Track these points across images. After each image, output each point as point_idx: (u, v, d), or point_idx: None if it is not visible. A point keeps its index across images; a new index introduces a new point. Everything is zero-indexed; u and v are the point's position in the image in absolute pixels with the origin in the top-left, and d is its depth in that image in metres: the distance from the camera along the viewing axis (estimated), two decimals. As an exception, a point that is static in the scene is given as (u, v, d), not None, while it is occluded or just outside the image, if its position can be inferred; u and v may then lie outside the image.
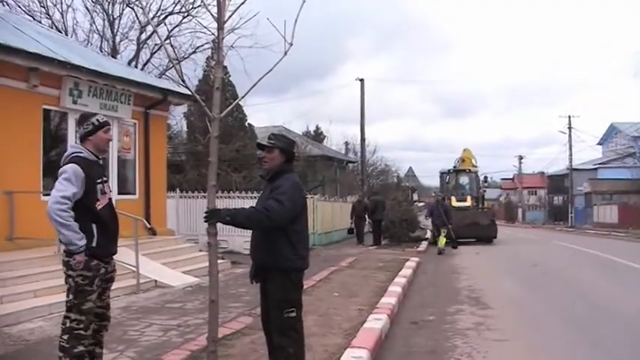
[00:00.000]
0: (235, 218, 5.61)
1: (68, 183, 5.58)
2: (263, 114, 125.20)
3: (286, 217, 5.73)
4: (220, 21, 5.60)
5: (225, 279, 14.62)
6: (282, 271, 5.89)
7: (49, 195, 12.59)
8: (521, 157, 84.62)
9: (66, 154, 5.87)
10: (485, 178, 40.60)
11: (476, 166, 37.46)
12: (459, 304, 12.14)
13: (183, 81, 7.18)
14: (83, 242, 5.53)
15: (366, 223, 30.91)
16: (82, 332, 5.67)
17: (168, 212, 19.02)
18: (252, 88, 5.95)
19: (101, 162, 6.09)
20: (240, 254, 18.96)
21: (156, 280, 13.15)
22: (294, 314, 5.93)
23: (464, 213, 32.25)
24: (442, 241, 25.05)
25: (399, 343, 8.92)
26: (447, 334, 9.45)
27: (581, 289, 14.11)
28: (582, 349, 8.42)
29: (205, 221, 5.25)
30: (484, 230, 31.28)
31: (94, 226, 5.75)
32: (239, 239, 20.10)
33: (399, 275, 15.35)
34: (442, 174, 39.24)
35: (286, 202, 5.71)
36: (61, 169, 5.65)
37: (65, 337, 5.61)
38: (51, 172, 13.89)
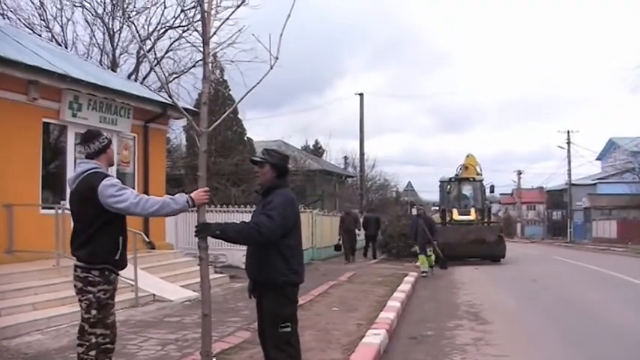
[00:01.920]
0: (225, 233, 5.64)
1: (124, 189, 5.63)
2: (261, 128, 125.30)
3: (277, 232, 5.74)
4: (205, 36, 5.69)
5: (223, 293, 14.64)
6: (275, 286, 5.90)
7: (48, 208, 12.65)
8: (520, 172, 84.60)
9: (81, 170, 5.86)
10: (492, 188, 36.19)
11: (480, 175, 32.50)
12: (458, 319, 12.12)
13: (170, 96, 7.28)
14: (180, 199, 5.52)
15: (357, 236, 28.28)
16: (109, 346, 5.74)
17: (167, 226, 19.02)
18: (239, 102, 6.11)
19: None
20: (238, 268, 18.88)
21: (154, 294, 13.13)
22: (288, 329, 5.93)
23: (467, 228, 28.46)
24: (423, 260, 21.62)
25: (398, 358, 8.92)
26: (445, 349, 9.42)
27: (580, 305, 14.09)
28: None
29: (196, 235, 5.29)
30: (491, 248, 27.40)
31: (120, 238, 5.81)
32: (238, 253, 19.98)
33: (398, 290, 15.34)
34: (442, 183, 33.28)
35: (277, 217, 5.72)
36: (107, 183, 5.61)
37: (92, 353, 5.61)
38: (50, 184, 13.94)
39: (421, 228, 21.80)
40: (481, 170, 32.60)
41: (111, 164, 6.07)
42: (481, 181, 32.37)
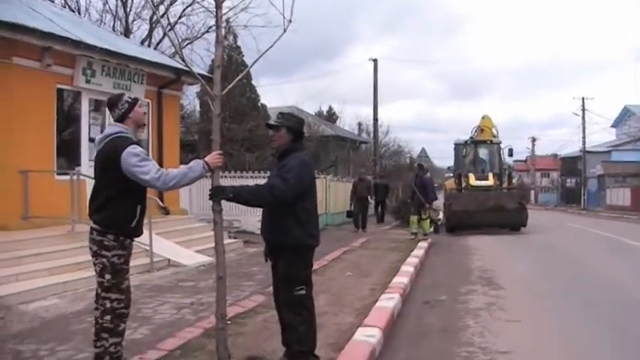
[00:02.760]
0: (239, 195, 5.66)
1: (146, 160, 5.61)
2: (275, 94, 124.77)
3: (290, 194, 5.76)
4: (218, 0, 5.65)
5: (237, 258, 14.72)
6: (291, 248, 5.95)
7: (62, 174, 12.70)
8: (534, 139, 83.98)
9: (108, 132, 5.85)
10: (511, 151, 31.93)
11: (497, 137, 30.05)
12: (471, 285, 12.15)
13: (183, 60, 7.24)
14: (197, 166, 5.50)
15: (370, 204, 27.24)
16: (123, 310, 5.75)
17: (181, 192, 19.09)
18: (253, 64, 6.15)
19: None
20: (253, 234, 19.02)
21: (169, 259, 13.22)
22: (303, 292, 5.99)
23: (486, 194, 25.93)
24: (413, 221, 21.28)
25: (412, 322, 8.96)
26: (459, 313, 9.48)
27: (593, 271, 14.08)
28: (594, 330, 8.42)
29: (210, 199, 5.29)
30: (511, 216, 24.97)
31: (138, 207, 5.81)
32: (252, 219, 20.11)
33: (411, 255, 15.39)
34: (457, 146, 30.40)
35: (291, 179, 5.75)
36: (131, 151, 5.57)
37: (107, 317, 5.64)
38: (65, 151, 14.00)
39: (417, 188, 21.27)
40: (498, 133, 30.30)
41: (139, 125, 6.00)
42: (499, 143, 29.80)
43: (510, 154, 32.02)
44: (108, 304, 5.65)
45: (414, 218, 21.28)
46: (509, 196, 26.59)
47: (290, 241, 5.93)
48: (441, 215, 29.46)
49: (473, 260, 16.13)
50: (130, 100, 5.92)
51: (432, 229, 22.02)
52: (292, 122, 6.18)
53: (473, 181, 27.61)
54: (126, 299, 5.75)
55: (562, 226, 30.84)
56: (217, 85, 5.18)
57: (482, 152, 29.99)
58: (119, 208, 5.65)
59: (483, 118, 30.40)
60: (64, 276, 10.68)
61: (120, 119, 5.85)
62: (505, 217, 24.87)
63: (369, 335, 7.26)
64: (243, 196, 5.72)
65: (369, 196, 26.28)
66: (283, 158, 6.01)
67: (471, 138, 30.03)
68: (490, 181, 27.60)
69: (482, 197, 25.45)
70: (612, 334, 8.18)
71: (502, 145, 29.93)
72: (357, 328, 7.67)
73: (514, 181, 31.85)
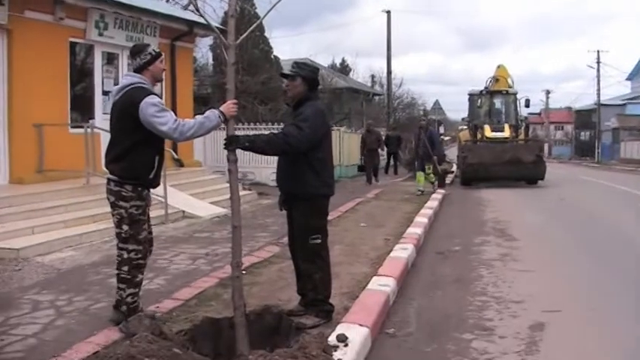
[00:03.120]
0: (254, 144, 5.61)
1: (164, 111, 5.60)
2: (287, 47, 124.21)
3: (305, 142, 5.75)
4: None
5: (252, 210, 14.78)
6: (306, 198, 5.97)
7: (76, 128, 12.73)
8: (548, 92, 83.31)
9: (125, 82, 5.82)
10: (527, 102, 30.35)
11: (513, 87, 28.67)
12: (484, 236, 12.18)
13: (197, 10, 7.16)
14: (212, 116, 5.45)
15: (382, 157, 27.13)
16: (141, 261, 5.79)
17: (195, 144, 19.12)
18: (269, 11, 5.93)
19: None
20: (267, 185, 19.11)
21: (184, 211, 13.29)
22: (319, 241, 6.03)
23: (502, 146, 24.54)
24: (421, 178, 20.18)
25: (425, 272, 9.01)
26: (472, 264, 9.52)
27: (607, 223, 14.05)
28: (607, 281, 8.44)
29: (225, 148, 5.26)
30: (528, 169, 23.82)
31: (157, 158, 5.80)
32: (266, 170, 20.19)
33: (425, 207, 15.40)
34: (472, 96, 29.05)
35: (306, 128, 5.73)
36: (149, 101, 5.55)
37: (125, 268, 5.69)
38: (79, 104, 14.01)
39: (422, 142, 20.19)
40: (513, 83, 28.86)
41: (157, 80, 5.99)
42: (515, 94, 28.42)
43: (527, 105, 30.76)
44: (125, 255, 5.70)
45: (420, 175, 20.26)
46: (526, 148, 25.18)
47: (306, 191, 5.95)
48: (454, 168, 29.38)
49: (486, 212, 16.14)
50: (154, 52, 5.91)
51: (435, 182, 21.02)
52: (307, 71, 6.15)
53: (488, 132, 26.34)
54: (143, 250, 5.77)
55: (576, 179, 30.43)
56: (231, 34, 5.14)
57: (498, 103, 28.91)
58: (137, 158, 5.65)
59: (498, 67, 29.26)
60: (80, 228, 10.76)
61: (139, 69, 5.83)
62: (522, 170, 23.69)
63: (383, 284, 7.30)
64: (258, 145, 5.69)
65: (379, 148, 25.72)
66: (298, 107, 6.00)
67: (486, 88, 28.76)
68: (506, 133, 26.28)
69: (499, 149, 24.11)
70: (625, 285, 8.19)
71: (518, 96, 28.68)
72: (372, 277, 7.71)
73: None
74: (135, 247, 5.71)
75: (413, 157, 22.96)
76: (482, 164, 23.44)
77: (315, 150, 5.89)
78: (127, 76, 5.95)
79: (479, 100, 28.73)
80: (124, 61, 14.78)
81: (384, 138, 28.93)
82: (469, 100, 29.30)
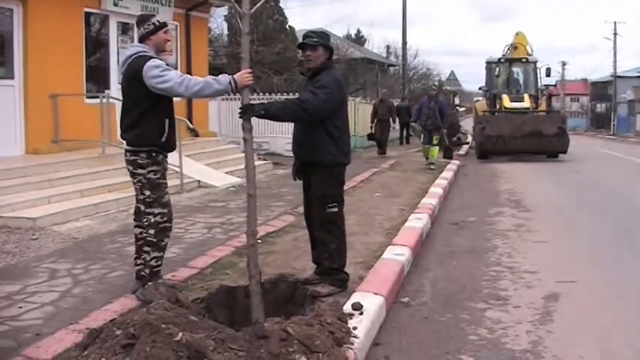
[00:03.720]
0: (269, 111, 5.57)
1: (167, 70, 5.63)
2: (300, 18, 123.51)
3: (322, 108, 5.74)
4: None
5: (267, 180, 14.81)
6: (324, 166, 5.97)
7: (92, 98, 12.77)
8: (564, 63, 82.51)
9: (130, 52, 5.88)
10: (548, 71, 29.19)
11: (532, 55, 27.10)
12: (499, 207, 12.17)
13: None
14: (223, 79, 5.39)
15: (392, 128, 25.19)
16: (167, 224, 5.89)
17: (210, 114, 19.15)
18: None
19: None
20: (282, 156, 19.13)
21: (199, 181, 13.35)
22: (335, 209, 6.04)
23: (522, 118, 22.87)
24: (435, 152, 19.01)
25: (440, 242, 9.02)
26: (487, 234, 9.53)
27: (622, 196, 13.99)
28: (622, 253, 8.43)
29: (240, 116, 5.24)
30: (551, 143, 22.37)
31: (166, 121, 5.85)
32: (281, 140, 20.22)
33: (440, 177, 15.39)
34: (489, 64, 27.60)
35: (322, 94, 5.72)
36: (151, 64, 5.59)
37: (152, 231, 5.77)
38: (94, 75, 14.03)
39: (430, 111, 18.82)
40: (532, 51, 27.25)
41: (159, 50, 5.99)
42: (535, 62, 26.80)
43: (548, 75, 29.37)
44: (152, 219, 5.78)
45: (434, 149, 18.96)
46: (548, 119, 23.30)
47: (324, 158, 5.95)
48: (469, 138, 29.14)
49: (500, 183, 16.10)
50: (157, 23, 5.92)
51: (437, 156, 19.45)
52: (327, 40, 6.16)
53: (507, 102, 24.61)
54: (168, 213, 5.87)
55: (592, 151, 29.86)
56: (246, 3, 5.11)
57: (517, 71, 27.33)
58: (148, 124, 5.72)
59: (517, 34, 27.58)
60: (96, 198, 10.83)
61: (141, 39, 5.91)
62: (544, 143, 22.20)
63: (398, 254, 7.32)
64: (274, 112, 5.66)
65: (390, 119, 24.28)
66: (316, 76, 5.97)
67: (504, 56, 27.32)
68: (526, 103, 24.58)
69: (518, 121, 22.44)
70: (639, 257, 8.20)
71: (538, 65, 27.04)
72: (387, 247, 7.73)
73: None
74: (160, 210, 5.81)
75: (420, 129, 20.09)
76: (501, 136, 22.09)
77: (333, 118, 5.89)
78: (131, 47, 6.05)
79: (497, 69, 27.29)
80: (139, 32, 14.77)
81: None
82: (486, 68, 27.83)
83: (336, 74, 6.09)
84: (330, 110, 5.83)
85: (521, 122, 22.42)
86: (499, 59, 27.17)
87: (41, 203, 10.03)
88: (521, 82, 27.19)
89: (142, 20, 5.93)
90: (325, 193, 6.00)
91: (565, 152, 22.94)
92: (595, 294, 6.53)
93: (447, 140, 20.37)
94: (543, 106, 26.43)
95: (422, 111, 19.13)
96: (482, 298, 6.31)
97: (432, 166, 18.20)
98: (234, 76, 5.23)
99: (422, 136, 19.57)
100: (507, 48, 27.65)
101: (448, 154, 20.94)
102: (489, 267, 7.58)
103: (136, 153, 5.74)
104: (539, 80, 27.00)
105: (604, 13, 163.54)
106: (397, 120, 26.47)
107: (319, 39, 6.02)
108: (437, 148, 19.14)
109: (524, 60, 26.75)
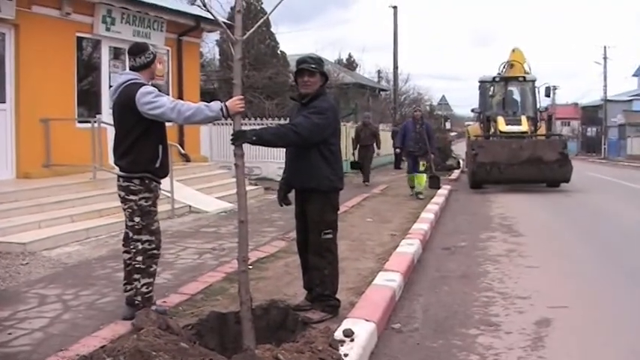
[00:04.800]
0: (262, 137, 5.59)
1: (160, 96, 5.68)
2: (292, 43, 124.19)
3: (315, 132, 5.77)
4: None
5: (258, 204, 14.79)
6: (322, 191, 6.02)
7: (84, 122, 12.77)
8: (554, 87, 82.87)
9: (122, 80, 5.92)
10: (548, 90, 26.97)
11: (530, 74, 24.67)
12: (490, 232, 12.18)
13: (204, 5, 7.21)
14: (215, 106, 5.42)
15: (376, 154, 22.42)
16: (155, 252, 5.92)
17: (201, 139, 19.15)
18: (273, 10, 5.90)
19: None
20: (273, 181, 19.06)
21: (190, 206, 13.33)
22: (330, 235, 6.07)
23: (519, 143, 20.52)
24: (422, 179, 17.36)
25: (432, 267, 9.00)
26: (478, 259, 9.52)
27: (614, 220, 14.04)
28: (613, 278, 8.43)
29: (232, 143, 5.26)
30: (552, 170, 20.02)
31: (160, 146, 5.90)
32: (272, 165, 20.21)
33: (431, 202, 15.37)
34: (483, 84, 25.09)
35: (316, 119, 5.76)
36: (143, 91, 5.65)
37: (139, 258, 5.80)
38: (85, 99, 14.06)
39: (421, 136, 17.33)
40: (530, 69, 25.04)
41: (152, 78, 6.12)
42: (533, 81, 24.34)
43: (547, 94, 26.92)
44: (140, 246, 5.80)
45: (419, 176, 17.32)
46: (548, 144, 21.17)
47: (321, 184, 5.99)
48: (461, 163, 28.98)
49: (492, 208, 16.10)
50: (155, 53, 6.08)
51: (425, 185, 17.66)
52: (324, 67, 6.23)
53: (502, 126, 22.07)
54: (156, 240, 5.90)
55: (582, 175, 29.75)
56: (238, 30, 5.14)
57: (514, 91, 25.00)
58: (142, 150, 5.76)
59: (513, 51, 25.50)
60: (86, 223, 10.80)
61: (139, 68, 5.95)
62: (544, 170, 19.96)
63: (389, 280, 7.31)
64: (266, 138, 5.69)
65: (374, 144, 21.60)
66: (311, 102, 5.99)
67: (500, 74, 24.93)
68: (523, 126, 21.98)
69: (516, 146, 20.23)
70: (631, 282, 8.19)
71: (537, 84, 24.56)
72: (378, 272, 7.71)
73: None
74: (148, 237, 5.84)
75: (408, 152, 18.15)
76: (496, 164, 19.90)
77: (329, 143, 5.94)
78: (122, 75, 6.11)
79: (491, 89, 24.99)
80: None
81: (390, 133, 28.68)
82: (480, 88, 25.29)
83: (330, 100, 6.16)
84: (326, 135, 5.87)
85: (519, 147, 20.21)
86: (494, 78, 24.81)
87: (32, 228, 9.99)
88: (518, 103, 24.80)
89: (139, 51, 5.97)
90: (322, 220, 6.03)
91: (567, 181, 20.52)
92: (587, 318, 6.53)
93: (434, 168, 18.70)
94: (543, 129, 24.20)
95: (407, 136, 17.58)
96: (474, 324, 6.29)
97: (421, 196, 16.88)
98: (226, 102, 5.25)
99: (407, 163, 18.27)
100: (503, 66, 25.46)
101: (435, 184, 18.70)
102: (481, 292, 7.57)
103: (129, 179, 5.77)
104: (537, 101, 24.54)
105: (594, 37, 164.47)
106: (381, 146, 22.78)
107: (317, 66, 6.08)
108: (424, 175, 17.47)
109: (521, 79, 24.30)
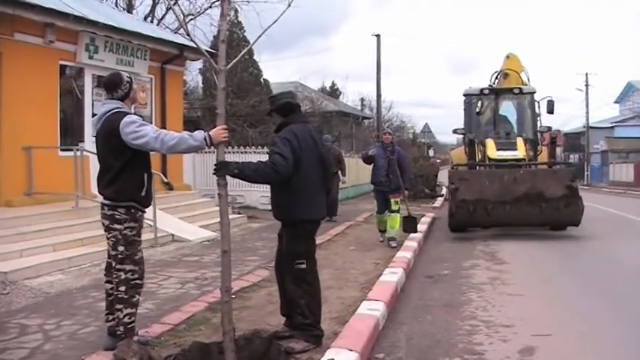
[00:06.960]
0: (243, 171, 5.71)
1: (143, 125, 5.69)
2: (275, 70, 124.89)
3: (291, 168, 5.87)
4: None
5: (241, 233, 14.77)
6: (290, 223, 6.11)
7: (66, 150, 12.69)
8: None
9: (105, 110, 5.90)
10: (551, 105, 19.27)
11: (528, 85, 19.34)
12: (474, 259, 12.19)
13: (188, 34, 7.25)
14: (198, 136, 5.47)
15: (342, 182, 19.50)
16: (138, 282, 5.88)
17: (184, 167, 19.11)
18: (259, 36, 6.01)
19: None
20: (256, 209, 19.15)
21: (173, 234, 13.27)
22: (303, 266, 6.09)
23: (513, 173, 15.28)
24: (395, 221, 13.39)
25: (415, 296, 9.00)
26: (462, 288, 9.52)
27: (597, 247, 14.10)
28: (597, 305, 8.44)
29: (214, 174, 5.30)
30: (555, 209, 14.74)
31: (145, 175, 5.91)
32: (256, 194, 20.20)
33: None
34: (469, 97, 19.49)
35: (286, 153, 5.82)
36: (127, 120, 5.65)
37: (122, 288, 5.76)
38: (68, 127, 14.00)
39: (392, 166, 13.31)
40: (529, 80, 19.82)
41: (134, 102, 6.20)
42: (532, 93, 18.93)
43: (550, 110, 19.34)
44: (123, 276, 5.77)
45: (392, 217, 13.47)
46: (551, 176, 15.63)
47: (288, 216, 6.10)
48: (444, 191, 28.95)
49: (475, 235, 16.07)
50: (129, 79, 6.02)
51: (399, 229, 13.64)
52: (278, 104, 6.32)
53: (492, 151, 16.80)
54: (140, 270, 5.88)
55: None
56: (222, 59, 5.17)
57: (507, 107, 19.33)
58: (127, 179, 5.77)
59: (508, 57, 20.47)
60: (68, 252, 10.73)
61: (122, 98, 5.94)
62: (546, 210, 14.75)
63: (373, 309, 7.29)
64: (247, 173, 5.75)
65: (339, 171, 18.33)
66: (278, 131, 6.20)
67: (491, 86, 19.62)
68: (520, 152, 16.70)
69: (509, 178, 15.09)
70: (615, 308, 8.20)
71: (536, 98, 19.14)
72: (362, 302, 7.70)
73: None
74: (131, 267, 5.81)
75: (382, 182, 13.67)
76: (482, 201, 14.89)
77: (294, 174, 5.94)
78: (105, 104, 6.03)
79: (479, 104, 19.32)
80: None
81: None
82: (465, 103, 19.74)
83: (289, 129, 6.11)
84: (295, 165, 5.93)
85: (513, 180, 15.06)
86: (482, 90, 19.23)
87: (13, 257, 9.91)
88: (512, 121, 19.34)
89: (114, 85, 5.94)
90: (292, 250, 6.09)
91: (577, 224, 15.43)
92: (570, 346, 6.53)
93: (407, 205, 14.31)
94: (544, 155, 18.41)
95: (376, 164, 13.61)
96: (458, 353, 6.28)
97: (394, 243, 13.10)
98: (210, 132, 5.27)
99: (375, 200, 14.35)
100: (495, 76, 20.16)
101: (411, 226, 13.93)
102: (464, 321, 7.56)
103: (115, 208, 5.74)
104: (538, 119, 19.15)
105: (576, 64, 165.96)
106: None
107: (270, 105, 6.42)
108: (398, 215, 13.55)
109: (516, 91, 18.88)
